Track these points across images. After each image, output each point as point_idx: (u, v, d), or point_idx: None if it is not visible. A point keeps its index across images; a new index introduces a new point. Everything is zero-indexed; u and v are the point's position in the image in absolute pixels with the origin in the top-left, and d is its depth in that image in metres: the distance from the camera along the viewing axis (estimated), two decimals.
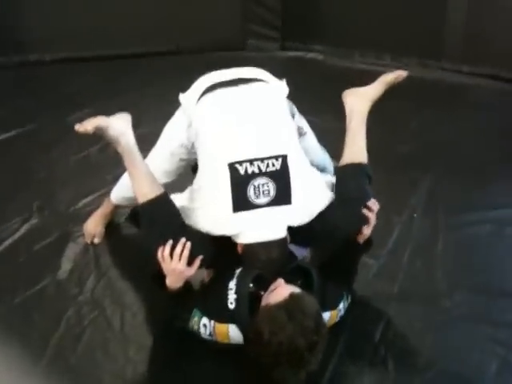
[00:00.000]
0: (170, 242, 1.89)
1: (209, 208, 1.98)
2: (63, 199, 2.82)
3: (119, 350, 2.08)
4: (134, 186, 2.00)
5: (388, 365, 2.02)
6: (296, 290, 1.81)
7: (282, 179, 1.95)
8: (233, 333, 1.89)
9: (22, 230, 2.63)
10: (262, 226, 1.95)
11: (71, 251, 2.51)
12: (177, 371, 2.02)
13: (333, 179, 2.16)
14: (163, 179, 2.18)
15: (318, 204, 2.03)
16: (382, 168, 2.86)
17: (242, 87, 2.06)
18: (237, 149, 1.96)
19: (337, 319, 2.02)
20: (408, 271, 2.41)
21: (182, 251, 1.88)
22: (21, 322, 2.20)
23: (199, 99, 2.07)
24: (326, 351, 1.83)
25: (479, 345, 2.10)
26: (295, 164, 1.98)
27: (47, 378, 1.99)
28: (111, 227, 2.61)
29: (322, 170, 2.27)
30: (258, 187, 1.93)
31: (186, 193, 2.09)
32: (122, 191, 2.42)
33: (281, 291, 1.78)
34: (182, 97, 2.15)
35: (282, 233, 1.97)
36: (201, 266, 1.96)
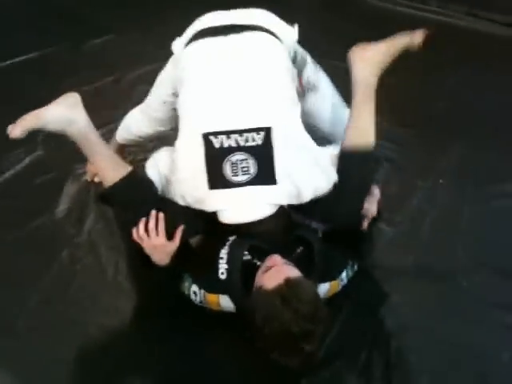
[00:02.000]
0: (143, 219, 1.75)
1: (186, 181, 1.79)
2: None
3: (109, 300, 2.01)
4: (98, 171, 1.89)
5: (391, 343, 1.89)
6: (292, 272, 1.63)
7: (264, 156, 1.72)
8: (224, 302, 1.77)
9: (25, 161, 2.53)
10: (242, 207, 1.76)
11: (72, 189, 2.40)
12: (167, 328, 1.93)
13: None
14: (158, 127, 2.05)
15: (313, 187, 1.80)
16: (410, 126, 2.67)
17: (232, 38, 1.77)
18: (213, 117, 1.73)
19: (338, 289, 1.87)
20: (426, 243, 2.21)
21: (157, 224, 1.74)
22: (12, 260, 2.12)
23: (185, 47, 1.84)
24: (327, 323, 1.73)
25: (493, 331, 1.94)
26: (283, 138, 1.73)
27: (33, 324, 1.92)
28: None
29: (332, 137, 2.04)
30: (236, 163, 1.71)
31: (167, 156, 1.89)
32: (125, 131, 2.29)
33: (276, 274, 1.62)
34: (174, 44, 1.93)
35: (266, 211, 1.77)
36: (189, 236, 1.83)
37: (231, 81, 1.76)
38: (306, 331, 1.53)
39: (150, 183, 1.84)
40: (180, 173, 1.80)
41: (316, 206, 1.82)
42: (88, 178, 2.42)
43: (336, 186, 1.83)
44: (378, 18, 3.60)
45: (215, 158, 1.72)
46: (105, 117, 2.74)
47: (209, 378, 1.82)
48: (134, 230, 1.76)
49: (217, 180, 1.73)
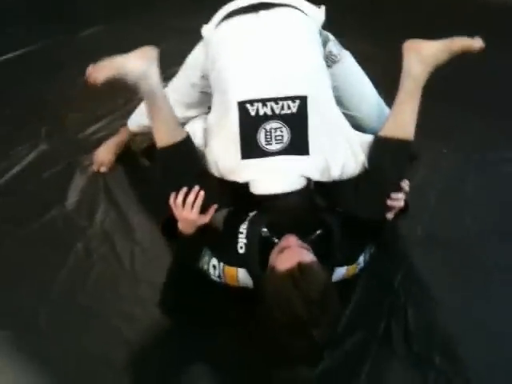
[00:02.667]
0: (184, 189, 1.76)
1: (218, 152, 1.80)
2: (73, 124, 2.68)
3: (128, 288, 2.02)
4: (153, 129, 1.82)
5: (408, 314, 1.93)
6: (306, 257, 1.64)
7: (298, 125, 1.72)
8: (242, 276, 1.79)
9: (31, 156, 2.52)
10: (274, 177, 1.76)
11: (80, 181, 2.41)
12: (187, 312, 1.95)
13: (370, 138, 1.86)
14: (185, 112, 2.03)
15: (342, 164, 1.79)
16: None
17: (261, 13, 1.80)
18: (249, 85, 1.74)
19: (356, 272, 1.89)
20: (434, 213, 2.24)
21: (195, 200, 1.76)
22: (28, 255, 2.13)
23: (216, 27, 1.86)
24: (344, 296, 1.78)
25: (507, 296, 1.98)
26: (317, 109, 1.73)
27: (55, 317, 1.93)
28: (124, 157, 2.48)
29: (358, 113, 2.02)
30: (270, 132, 1.72)
31: (202, 128, 1.89)
32: (142, 118, 2.24)
33: (289, 256, 1.63)
34: (204, 28, 1.93)
35: (297, 184, 1.78)
36: (218, 210, 1.84)
37: (265, 51, 1.77)
38: (314, 316, 1.54)
39: (196, 153, 1.82)
40: (214, 143, 1.81)
41: (341, 192, 1.82)
42: (94, 168, 2.43)
43: (365, 173, 1.82)
44: None
45: (250, 125, 1.72)
46: (106, 107, 2.76)
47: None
48: (173, 197, 1.77)
49: (250, 149, 1.73)
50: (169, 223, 1.84)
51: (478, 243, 2.14)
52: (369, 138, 1.87)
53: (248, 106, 1.71)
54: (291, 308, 1.53)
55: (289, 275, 1.57)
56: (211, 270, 1.83)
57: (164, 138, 1.80)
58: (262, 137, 1.72)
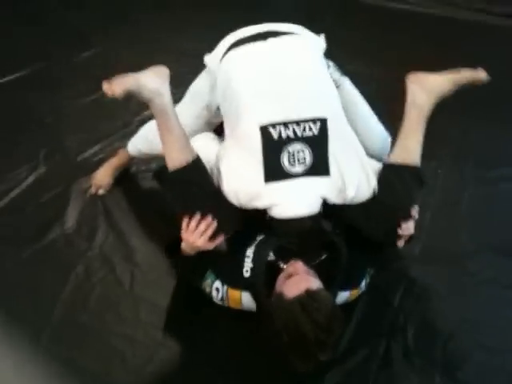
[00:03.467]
0: (198, 216, 1.75)
1: (237, 178, 1.77)
2: (71, 146, 2.69)
3: (129, 310, 2.02)
4: (164, 147, 1.80)
5: (408, 331, 1.95)
6: (313, 284, 1.66)
7: (319, 146, 1.73)
8: (246, 300, 1.81)
9: (30, 179, 2.53)
10: (296, 200, 1.75)
11: (79, 203, 2.41)
12: (189, 333, 1.96)
13: (378, 167, 1.87)
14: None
15: (356, 184, 1.77)
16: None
17: (271, 41, 1.82)
18: (269, 109, 1.74)
19: (357, 295, 1.93)
20: (431, 230, 2.27)
21: (206, 229, 1.76)
22: (29, 277, 2.13)
23: (224, 56, 1.87)
24: (344, 314, 1.78)
25: (506, 312, 2.01)
26: (336, 130, 1.75)
27: (57, 336, 1.94)
28: (123, 179, 2.50)
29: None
30: (293, 154, 1.72)
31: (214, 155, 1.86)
32: (141, 143, 2.27)
33: (298, 283, 1.65)
34: (207, 58, 1.95)
35: (316, 207, 1.77)
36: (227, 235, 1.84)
37: (281, 74, 1.78)
38: (321, 340, 1.58)
39: (208, 175, 1.80)
40: (231, 168, 1.78)
41: (352, 217, 1.82)
42: (93, 190, 2.44)
43: (376, 198, 1.82)
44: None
45: (273, 149, 1.72)
46: (105, 129, 2.79)
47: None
48: (185, 221, 1.76)
49: (273, 172, 1.73)
50: (174, 242, 1.86)
51: (474, 258, 2.18)
52: (377, 164, 1.89)
53: (270, 129, 1.71)
54: (299, 333, 1.56)
55: (297, 302, 1.60)
56: (214, 293, 1.84)
57: (175, 157, 1.77)
58: (285, 159, 1.72)
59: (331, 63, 1.99)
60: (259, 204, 1.77)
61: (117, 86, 1.71)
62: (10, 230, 2.31)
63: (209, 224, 1.75)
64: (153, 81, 1.77)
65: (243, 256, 1.80)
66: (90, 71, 3.16)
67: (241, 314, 1.87)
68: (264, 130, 1.71)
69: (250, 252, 1.80)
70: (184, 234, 1.78)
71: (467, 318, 1.99)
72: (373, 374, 1.84)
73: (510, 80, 3.02)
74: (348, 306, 1.92)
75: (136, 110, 2.80)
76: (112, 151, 2.59)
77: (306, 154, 1.72)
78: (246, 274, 1.78)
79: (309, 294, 1.60)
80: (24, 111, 2.92)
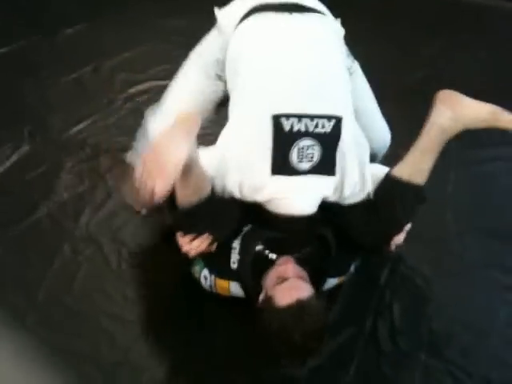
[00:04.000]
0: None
1: (243, 168, 1.66)
2: (55, 125, 2.66)
3: (116, 289, 2.01)
4: (180, 192, 1.61)
5: (394, 311, 1.97)
6: (305, 292, 1.63)
7: (330, 145, 1.65)
8: (234, 289, 1.82)
9: (13, 157, 2.49)
10: (298, 197, 1.68)
11: (64, 182, 2.38)
12: (179, 313, 1.96)
13: (377, 172, 1.80)
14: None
15: (353, 185, 1.73)
16: (391, 98, 2.70)
17: (296, 16, 1.68)
18: (285, 97, 1.62)
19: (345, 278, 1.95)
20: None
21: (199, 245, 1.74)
22: (14, 257, 2.11)
23: (241, 21, 1.72)
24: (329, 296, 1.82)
25: (490, 292, 2.04)
26: (348, 130, 1.67)
27: (43, 320, 1.92)
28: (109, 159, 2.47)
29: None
30: (303, 149, 1.62)
31: (217, 147, 1.72)
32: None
33: (289, 292, 1.62)
34: (219, 12, 1.79)
35: (316, 207, 1.72)
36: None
37: (302, 61, 1.66)
38: (311, 348, 1.62)
39: (228, 204, 1.70)
40: (239, 158, 1.67)
41: (346, 223, 1.80)
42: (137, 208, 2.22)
43: (374, 207, 1.77)
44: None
45: (283, 141, 1.62)
46: (88, 107, 2.75)
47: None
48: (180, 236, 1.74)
49: (281, 166, 1.64)
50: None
51: (459, 239, 2.21)
52: (379, 171, 1.81)
53: (283, 120, 1.60)
54: (289, 342, 1.57)
55: (288, 312, 1.59)
56: (202, 280, 1.85)
57: (190, 197, 1.63)
58: (294, 154, 1.63)
59: (345, 49, 1.87)
60: (260, 197, 1.69)
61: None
62: None
63: (204, 239, 1.71)
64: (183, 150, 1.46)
65: (230, 248, 1.79)
66: (73, 48, 3.11)
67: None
68: (276, 121, 1.60)
69: (236, 244, 1.78)
70: (180, 241, 1.75)
71: (452, 297, 2.02)
72: (359, 351, 1.86)
73: (498, 64, 3.06)
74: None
75: (120, 88, 2.77)
76: (96, 129, 2.57)
77: (314, 151, 1.63)
78: (234, 266, 1.77)
79: (300, 304, 1.59)
80: (5, 91, 2.86)
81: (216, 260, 1.82)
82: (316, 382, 1.80)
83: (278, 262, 1.75)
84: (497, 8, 3.59)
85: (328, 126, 1.62)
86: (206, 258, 1.82)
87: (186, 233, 1.72)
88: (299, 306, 1.58)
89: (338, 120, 1.64)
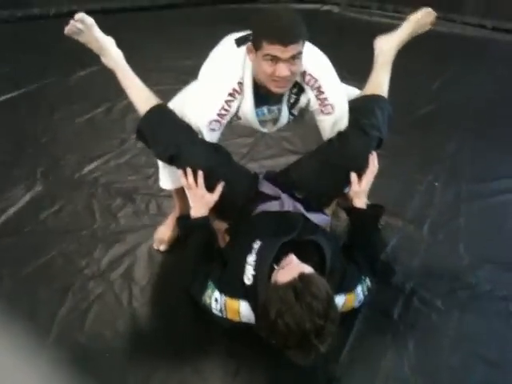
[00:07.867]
0: (189, 170, 1.93)
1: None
2: (68, 165, 2.71)
3: (128, 327, 2.01)
4: (133, 99, 2.03)
5: (408, 344, 1.93)
6: (307, 269, 1.66)
7: None
8: (244, 310, 1.79)
9: (27, 197, 2.54)
10: None
11: (76, 220, 2.41)
12: (189, 351, 1.93)
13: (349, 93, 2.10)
14: None
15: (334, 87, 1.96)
16: (402, 132, 2.74)
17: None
18: None
19: (355, 304, 1.91)
20: (429, 244, 2.29)
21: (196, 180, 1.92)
22: (27, 296, 2.11)
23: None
24: (344, 327, 1.80)
25: (506, 325, 2.00)
26: None
27: (55, 357, 1.91)
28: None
29: None
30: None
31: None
32: (165, 175, 2.17)
33: (290, 269, 1.64)
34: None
35: None
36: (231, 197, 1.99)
37: None
38: (318, 327, 1.55)
39: (174, 114, 1.99)
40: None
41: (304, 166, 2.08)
42: (155, 246, 2.31)
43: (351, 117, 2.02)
44: (355, 28, 3.72)
45: None
46: (100, 147, 2.80)
47: None
48: (183, 179, 1.95)
49: None
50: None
51: (473, 272, 2.18)
52: (353, 92, 2.14)
53: None
54: (295, 320, 1.53)
55: (291, 286, 1.58)
56: (213, 304, 1.83)
57: (145, 100, 2.01)
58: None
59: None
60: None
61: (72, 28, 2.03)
62: (7, 248, 2.31)
63: (193, 174, 1.93)
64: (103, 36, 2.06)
65: (244, 263, 1.79)
66: (86, 91, 3.19)
67: (242, 329, 1.84)
68: None
69: (251, 259, 1.79)
70: (189, 191, 1.97)
71: (466, 331, 1.98)
72: None
73: (503, 95, 3.08)
74: (347, 318, 1.90)
75: (132, 128, 2.80)
76: (109, 168, 2.60)
77: None
78: (248, 282, 1.77)
79: (302, 278, 1.59)
80: (19, 132, 2.93)
81: (228, 278, 1.83)
82: None
83: (282, 261, 1.74)
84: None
85: None
86: (218, 276, 1.84)
87: (160, 146, 1.97)
88: (302, 280, 1.58)
89: None
